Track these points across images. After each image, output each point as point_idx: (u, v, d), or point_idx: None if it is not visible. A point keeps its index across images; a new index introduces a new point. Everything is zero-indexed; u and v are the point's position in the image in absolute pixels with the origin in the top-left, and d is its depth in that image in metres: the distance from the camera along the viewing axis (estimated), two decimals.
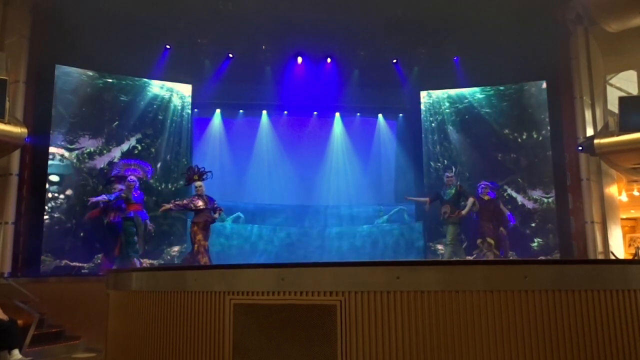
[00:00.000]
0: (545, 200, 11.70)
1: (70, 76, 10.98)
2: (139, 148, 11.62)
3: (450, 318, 3.04)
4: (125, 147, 11.45)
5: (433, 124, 12.83)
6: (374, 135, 13.88)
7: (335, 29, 11.47)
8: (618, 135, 10.14)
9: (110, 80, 11.52)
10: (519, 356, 2.98)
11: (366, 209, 13.41)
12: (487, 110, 12.44)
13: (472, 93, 12.61)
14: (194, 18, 11.22)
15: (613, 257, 10.22)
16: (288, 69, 12.63)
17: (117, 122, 11.48)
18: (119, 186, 9.72)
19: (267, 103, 13.23)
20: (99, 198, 9.53)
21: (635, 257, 12.51)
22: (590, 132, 10.98)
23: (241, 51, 12.17)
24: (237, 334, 3.39)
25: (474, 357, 2.99)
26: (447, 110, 12.76)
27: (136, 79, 11.79)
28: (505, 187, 11.55)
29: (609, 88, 12.02)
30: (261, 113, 13.49)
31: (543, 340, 3.00)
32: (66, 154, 10.80)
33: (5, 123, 8.95)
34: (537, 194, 11.81)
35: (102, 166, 11.10)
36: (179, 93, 12.29)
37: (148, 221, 9.67)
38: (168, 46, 11.63)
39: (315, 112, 13.68)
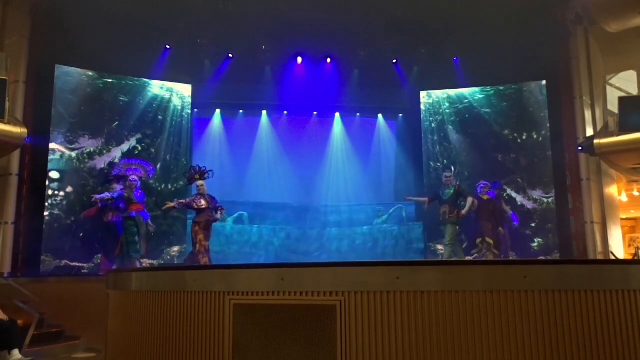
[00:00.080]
0: (545, 200, 11.70)
1: (70, 76, 10.98)
2: (139, 148, 11.62)
3: (450, 318, 3.03)
4: (125, 147, 11.46)
5: (433, 124, 12.83)
6: (373, 136, 13.88)
7: (335, 29, 11.47)
8: (618, 135, 10.14)
9: (110, 81, 11.52)
10: (519, 356, 2.98)
11: (366, 209, 13.40)
12: (487, 110, 12.44)
13: (472, 93, 12.61)
14: (194, 18, 11.22)
15: (613, 258, 10.23)
16: (288, 69, 12.63)
17: (117, 122, 11.48)
18: (117, 186, 9.72)
19: (267, 103, 13.23)
20: (103, 195, 9.54)
21: (635, 257, 12.52)
22: (590, 132, 10.98)
23: (241, 51, 12.17)
24: (237, 334, 3.39)
25: (474, 357, 2.99)
26: (447, 111, 12.76)
27: (136, 79, 11.79)
28: (505, 187, 11.53)
29: (609, 88, 12.03)
30: (261, 113, 13.49)
31: (543, 341, 3.00)
32: (66, 154, 10.80)
33: (5, 123, 8.95)
34: (537, 194, 11.81)
35: (102, 166, 11.11)
36: (179, 93, 12.29)
37: (150, 221, 9.69)
38: (168, 46, 11.63)
39: (315, 112, 13.67)
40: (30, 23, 10.08)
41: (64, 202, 10.64)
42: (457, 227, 10.29)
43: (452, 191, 10.29)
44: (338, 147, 13.74)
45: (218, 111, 13.26)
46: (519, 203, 11.79)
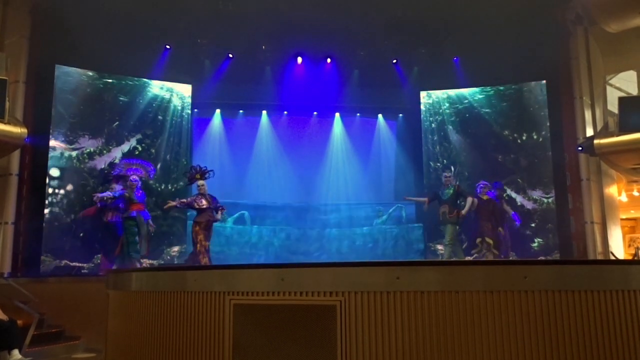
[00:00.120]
0: (545, 200, 11.70)
1: (70, 76, 10.98)
2: (139, 149, 11.62)
3: (450, 318, 3.03)
4: (125, 147, 11.46)
5: (433, 125, 12.83)
6: (373, 136, 13.87)
7: (335, 29, 11.47)
8: (618, 135, 10.14)
9: (110, 81, 11.51)
10: (519, 356, 2.98)
11: (366, 209, 13.40)
12: (487, 110, 12.44)
13: (472, 93, 12.61)
14: (194, 18, 11.22)
15: (613, 258, 10.23)
16: (288, 69, 12.62)
17: (117, 123, 11.48)
18: (116, 186, 9.72)
19: (267, 103, 13.22)
20: (104, 194, 9.54)
21: (635, 258, 12.52)
22: (590, 132, 10.98)
23: (241, 51, 12.17)
24: (237, 334, 3.39)
25: (473, 357, 2.99)
26: (447, 111, 12.76)
27: (136, 79, 11.79)
28: (505, 187, 11.53)
29: (608, 88, 12.03)
30: (261, 113, 13.48)
31: (543, 341, 3.00)
32: (66, 154, 10.80)
33: (5, 123, 8.95)
34: (537, 194, 11.81)
35: (102, 166, 11.11)
36: (178, 93, 12.29)
37: (150, 221, 9.69)
38: (168, 46, 11.63)
39: (315, 112, 13.67)
40: (30, 23, 10.07)
41: (64, 202, 10.63)
42: (457, 227, 10.29)
43: (451, 191, 10.28)
44: (338, 147, 13.73)
45: (218, 111, 13.25)
46: (519, 203, 11.79)
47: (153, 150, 11.79)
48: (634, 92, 11.65)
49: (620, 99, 10.62)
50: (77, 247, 10.48)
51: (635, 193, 12.22)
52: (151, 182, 11.20)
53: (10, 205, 9.57)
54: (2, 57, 9.42)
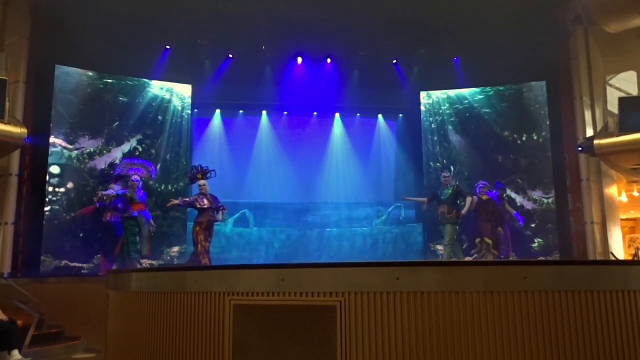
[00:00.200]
0: (545, 200, 11.70)
1: (70, 76, 10.98)
2: (140, 149, 11.62)
3: (450, 319, 3.03)
4: (125, 147, 11.46)
5: (433, 125, 12.83)
6: (373, 136, 13.88)
7: (335, 29, 11.47)
8: (618, 135, 10.14)
9: (110, 81, 11.52)
10: (519, 357, 2.98)
11: (366, 209, 13.41)
12: (487, 110, 12.45)
13: (472, 93, 12.61)
14: (194, 18, 11.22)
15: (613, 258, 10.22)
16: (288, 69, 12.63)
17: (117, 123, 11.48)
18: (116, 186, 9.72)
19: (267, 103, 13.22)
20: (107, 192, 9.53)
21: (635, 258, 12.52)
22: (590, 132, 10.98)
23: (241, 51, 12.17)
24: (237, 334, 3.39)
25: (473, 357, 2.99)
26: (447, 111, 12.77)
27: (136, 79, 11.80)
28: (505, 187, 11.53)
29: (608, 88, 12.03)
30: (261, 113, 13.48)
31: (543, 341, 3.00)
32: (66, 154, 10.80)
33: (5, 123, 8.94)
34: (536, 194, 11.81)
35: (102, 167, 11.11)
36: (178, 93, 12.30)
37: (151, 221, 9.69)
38: (168, 46, 11.63)
39: (315, 113, 13.67)
40: (30, 23, 10.07)
41: (64, 202, 10.63)
42: (457, 227, 10.28)
43: (450, 191, 10.27)
44: (338, 148, 13.74)
45: (218, 111, 13.25)
46: (519, 203, 11.79)
47: (153, 151, 11.79)
48: (634, 92, 11.65)
49: (620, 99, 10.62)
50: (76, 248, 10.49)
51: (635, 193, 12.22)
52: (151, 182, 11.20)
53: (10, 206, 9.56)
54: (2, 57, 9.41)
